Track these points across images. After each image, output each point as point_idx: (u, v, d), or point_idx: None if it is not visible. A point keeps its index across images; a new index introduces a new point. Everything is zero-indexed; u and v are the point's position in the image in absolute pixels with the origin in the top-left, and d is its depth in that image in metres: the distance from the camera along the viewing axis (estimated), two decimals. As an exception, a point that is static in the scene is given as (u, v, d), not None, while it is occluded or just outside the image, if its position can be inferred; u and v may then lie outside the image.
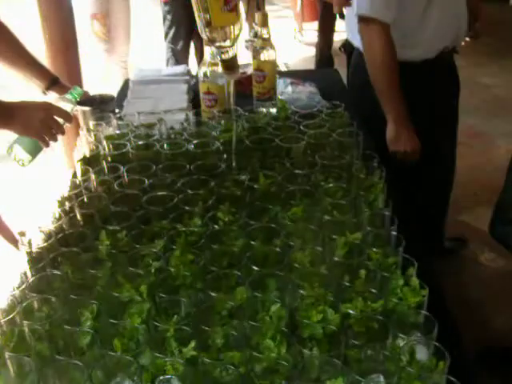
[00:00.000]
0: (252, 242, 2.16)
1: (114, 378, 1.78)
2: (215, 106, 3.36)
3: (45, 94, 3.06)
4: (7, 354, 1.79)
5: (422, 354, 1.82)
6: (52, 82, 3.10)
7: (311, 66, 8.34)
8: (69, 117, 2.69)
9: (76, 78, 4.55)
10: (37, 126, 2.53)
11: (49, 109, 2.62)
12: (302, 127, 2.96)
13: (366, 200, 2.45)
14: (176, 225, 2.29)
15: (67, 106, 2.79)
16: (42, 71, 3.13)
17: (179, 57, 6.81)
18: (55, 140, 2.64)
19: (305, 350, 1.79)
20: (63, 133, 2.66)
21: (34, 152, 2.75)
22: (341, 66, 5.61)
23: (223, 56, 2.86)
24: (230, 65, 2.65)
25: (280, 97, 3.68)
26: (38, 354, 1.81)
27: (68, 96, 2.88)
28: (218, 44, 2.51)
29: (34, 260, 2.17)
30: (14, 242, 2.32)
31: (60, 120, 2.69)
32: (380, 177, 2.57)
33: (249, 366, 1.77)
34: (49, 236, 2.26)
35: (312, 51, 8.76)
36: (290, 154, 2.80)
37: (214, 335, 1.84)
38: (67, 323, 1.89)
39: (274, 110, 3.38)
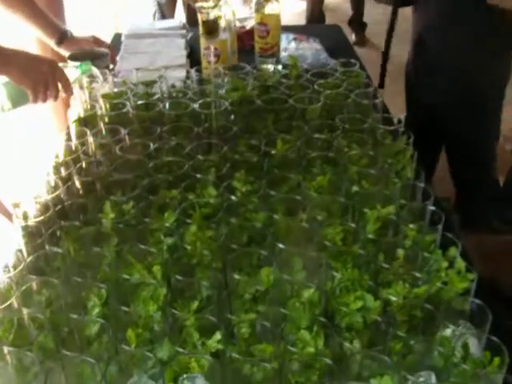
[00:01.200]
0: (275, 216, 1.92)
1: (127, 375, 1.54)
2: (217, 63, 3.09)
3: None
4: (6, 349, 1.55)
5: (472, 348, 1.60)
6: (62, 36, 2.96)
7: (302, 21, 8.04)
8: (68, 86, 2.46)
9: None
10: (35, 77, 2.29)
11: (54, 67, 2.37)
12: (316, 86, 2.70)
13: (394, 169, 2.21)
14: (188, 195, 2.04)
15: (70, 76, 2.52)
16: (51, 25, 2.97)
17: (166, 11, 6.53)
18: (45, 101, 2.38)
19: (346, 343, 1.56)
20: (56, 98, 2.40)
21: (17, 102, 2.48)
22: (332, 22, 5.35)
23: (202, 17, 2.62)
24: (210, 28, 2.39)
25: (283, 53, 3.42)
26: (41, 347, 1.57)
27: (76, 67, 2.61)
28: (199, 4, 2.25)
29: (31, 235, 1.93)
30: (7, 214, 2.06)
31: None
32: (407, 143, 2.33)
33: (282, 360, 1.54)
34: (46, 208, 2.00)
35: (302, 5, 8.45)
36: (304, 115, 2.55)
37: (239, 324, 1.61)
38: (72, 310, 1.66)
39: (280, 67, 3.13)
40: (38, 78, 2.32)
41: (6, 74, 2.31)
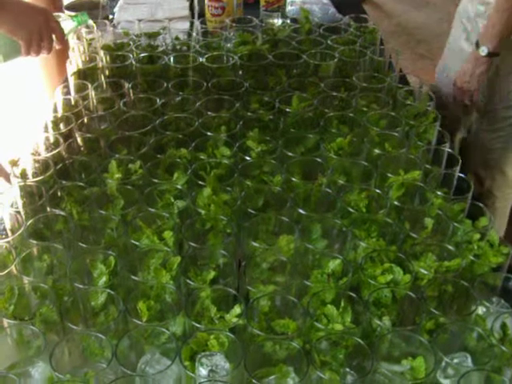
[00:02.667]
0: (293, 179, 1.79)
1: (138, 351, 1.41)
2: (222, 15, 2.93)
3: None
4: (6, 321, 1.42)
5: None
6: None
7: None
8: (63, 38, 2.26)
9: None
10: (28, 28, 2.10)
11: (49, 18, 2.19)
12: (330, 42, 2.55)
13: (416, 131, 2.07)
14: (199, 154, 1.89)
15: (66, 28, 2.34)
16: None
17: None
18: (38, 54, 2.20)
19: (376, 319, 1.43)
20: (49, 51, 2.22)
21: (9, 55, 2.29)
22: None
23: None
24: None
25: (289, 7, 3.26)
26: (44, 319, 1.43)
27: (72, 18, 2.43)
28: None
29: (30, 196, 1.78)
30: (3, 174, 1.90)
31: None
32: (429, 104, 2.19)
33: (307, 338, 1.41)
34: (45, 166, 1.85)
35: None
36: (317, 72, 2.40)
37: (259, 296, 1.48)
38: (76, 278, 1.51)
39: (288, 22, 2.96)
40: (31, 29, 2.14)
41: None
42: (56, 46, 2.22)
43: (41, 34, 2.13)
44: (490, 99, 2.91)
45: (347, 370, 1.40)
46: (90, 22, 2.55)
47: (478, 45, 2.68)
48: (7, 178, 1.89)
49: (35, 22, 2.11)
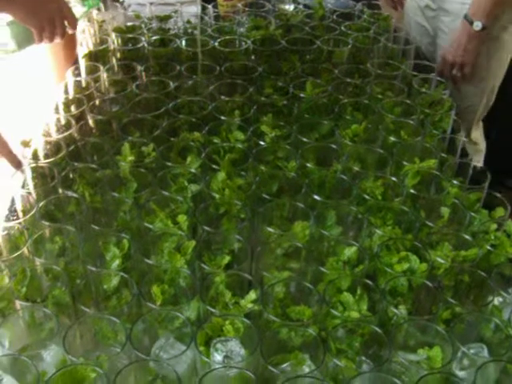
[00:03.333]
0: (308, 165, 1.76)
1: (151, 335, 1.39)
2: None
3: None
4: (19, 304, 1.40)
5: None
6: None
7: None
8: (75, 23, 2.23)
9: None
10: (41, 16, 2.07)
11: (62, 6, 2.16)
12: (343, 28, 2.52)
13: (431, 120, 2.05)
14: (212, 138, 1.87)
15: (77, 13, 2.30)
16: None
17: None
18: (51, 41, 2.17)
19: (393, 307, 1.41)
20: (62, 37, 2.19)
21: (23, 43, 2.27)
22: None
23: None
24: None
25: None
26: (56, 301, 1.41)
27: (82, 3, 2.39)
28: None
29: (41, 177, 1.76)
30: (11, 158, 1.86)
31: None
32: (444, 93, 2.17)
33: (323, 325, 1.39)
34: (57, 147, 1.83)
35: None
36: (331, 58, 2.38)
37: (270, 281, 1.46)
38: (88, 261, 1.49)
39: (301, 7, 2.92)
40: (44, 16, 2.10)
41: (10, 13, 2.09)
42: (69, 31, 2.19)
43: (53, 21, 2.09)
44: None
45: (363, 358, 1.38)
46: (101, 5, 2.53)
47: (469, 20, 2.71)
48: (14, 162, 1.85)
49: (47, 10, 2.08)
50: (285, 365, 1.34)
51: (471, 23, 2.69)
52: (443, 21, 2.94)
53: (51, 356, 1.35)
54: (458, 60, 2.80)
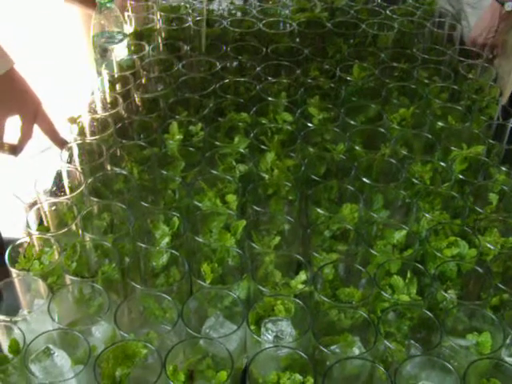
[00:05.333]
0: (357, 148, 1.76)
1: (202, 313, 1.40)
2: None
3: None
4: (69, 279, 1.40)
5: None
6: None
7: None
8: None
9: None
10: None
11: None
12: (388, 12, 2.50)
13: (478, 106, 2.03)
14: (260, 119, 1.87)
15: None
16: None
17: None
18: None
19: (443, 292, 1.41)
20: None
21: None
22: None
23: None
24: None
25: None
26: (106, 278, 1.42)
27: None
28: None
29: (88, 154, 1.76)
30: (56, 137, 1.84)
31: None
32: (492, 79, 2.15)
33: (371, 307, 1.39)
34: (103, 125, 1.83)
35: None
36: (376, 42, 2.36)
37: (319, 262, 1.45)
38: (137, 237, 1.50)
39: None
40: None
41: None
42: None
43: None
44: None
45: (411, 341, 1.38)
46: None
47: (501, 1, 2.71)
48: (57, 141, 1.84)
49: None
50: (334, 346, 1.33)
51: (502, 4, 2.67)
52: (468, 2, 2.91)
53: (100, 332, 1.36)
54: (489, 41, 2.79)
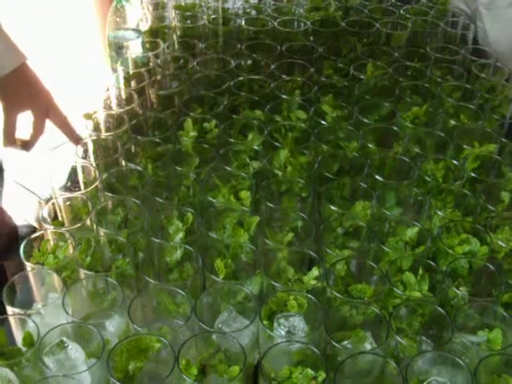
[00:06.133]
0: (370, 146, 1.77)
1: (215, 308, 1.41)
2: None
3: None
4: (84, 273, 1.42)
5: None
6: None
7: None
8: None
9: None
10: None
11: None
12: (402, 12, 2.51)
13: (491, 105, 2.04)
14: (274, 116, 1.88)
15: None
16: None
17: None
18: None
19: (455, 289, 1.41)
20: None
21: None
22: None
23: None
24: None
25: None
26: (120, 273, 1.43)
27: None
28: None
29: (103, 150, 1.78)
30: (70, 133, 1.86)
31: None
32: (505, 78, 2.15)
33: (383, 304, 1.40)
34: (119, 121, 1.85)
35: None
36: (389, 41, 2.37)
37: (331, 259, 1.47)
38: (151, 232, 1.51)
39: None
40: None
41: None
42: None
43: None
44: None
45: (423, 338, 1.39)
46: None
47: None
48: (72, 136, 1.85)
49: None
50: (346, 342, 1.34)
51: None
52: (483, 2, 2.89)
53: (114, 325, 1.37)
54: None
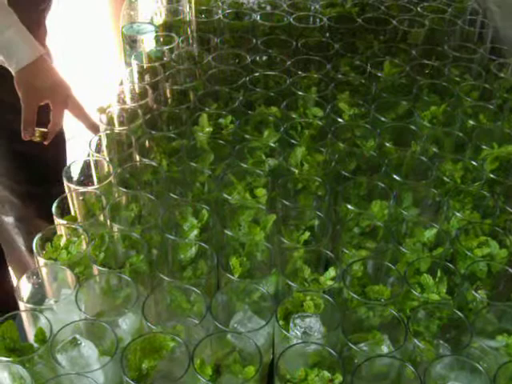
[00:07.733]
0: (387, 144, 1.74)
1: (230, 307, 1.39)
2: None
3: None
4: (97, 269, 1.40)
5: None
6: None
7: None
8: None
9: None
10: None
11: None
12: (419, 9, 2.48)
13: (510, 105, 2.01)
14: (290, 113, 1.86)
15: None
16: None
17: None
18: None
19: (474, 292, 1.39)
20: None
21: None
22: None
23: None
24: None
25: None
26: (134, 269, 1.41)
27: None
28: None
29: (117, 144, 1.76)
30: (88, 122, 1.86)
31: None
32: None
33: (400, 306, 1.38)
34: (133, 115, 1.83)
35: None
36: (406, 39, 2.34)
37: (348, 259, 1.44)
38: (165, 229, 1.49)
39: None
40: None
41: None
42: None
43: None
44: None
45: (440, 341, 1.36)
46: None
47: None
48: (90, 125, 1.85)
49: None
50: (362, 344, 1.32)
51: None
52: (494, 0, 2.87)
53: (127, 323, 1.35)
54: None
